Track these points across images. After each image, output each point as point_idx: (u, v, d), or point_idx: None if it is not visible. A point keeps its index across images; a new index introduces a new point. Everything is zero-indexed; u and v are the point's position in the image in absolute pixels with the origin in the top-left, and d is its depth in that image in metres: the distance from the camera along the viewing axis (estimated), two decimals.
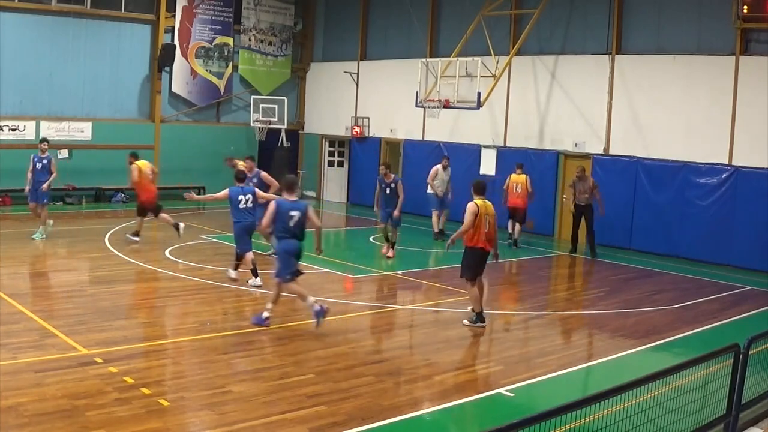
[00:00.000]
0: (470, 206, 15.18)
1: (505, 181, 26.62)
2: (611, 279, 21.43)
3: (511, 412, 10.63)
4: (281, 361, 12.58)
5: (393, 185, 22.70)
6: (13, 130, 30.17)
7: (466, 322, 15.29)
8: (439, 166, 27.12)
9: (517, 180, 26.12)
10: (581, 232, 25.17)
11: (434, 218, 26.95)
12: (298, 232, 14.99)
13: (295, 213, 14.86)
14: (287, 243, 14.83)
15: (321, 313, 14.36)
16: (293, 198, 15.06)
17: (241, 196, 17.89)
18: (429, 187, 27.09)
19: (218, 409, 10.31)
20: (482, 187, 15.82)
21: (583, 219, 24.87)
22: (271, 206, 14.79)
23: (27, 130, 30.43)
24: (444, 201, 27.17)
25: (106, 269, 19.60)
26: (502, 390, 11.67)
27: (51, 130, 30.87)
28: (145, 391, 10.79)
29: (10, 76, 29.82)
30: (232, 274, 18.49)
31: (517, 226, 26.08)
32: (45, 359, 12.03)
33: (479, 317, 15.26)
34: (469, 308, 15.65)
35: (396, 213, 22.48)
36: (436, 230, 26.71)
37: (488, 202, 15.57)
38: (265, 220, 15.11)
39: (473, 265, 15.40)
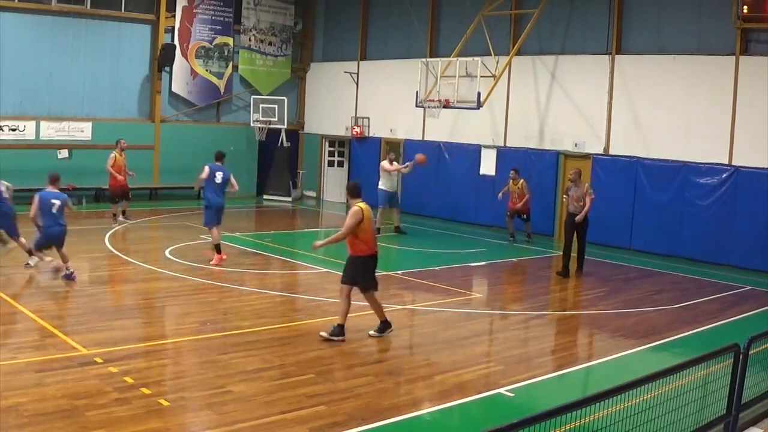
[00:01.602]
0: (353, 211, 14.02)
1: (502, 188, 27.04)
2: (611, 279, 21.42)
3: (511, 412, 10.63)
4: (281, 361, 12.58)
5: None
6: (13, 130, 30.16)
7: (373, 333, 14.37)
8: (385, 162, 27.78)
9: (515, 190, 26.68)
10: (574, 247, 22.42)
11: (378, 215, 26.28)
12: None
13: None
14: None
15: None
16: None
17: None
18: (380, 182, 27.52)
19: (218, 409, 10.31)
20: (358, 189, 14.67)
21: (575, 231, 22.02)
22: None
23: (27, 130, 30.42)
24: (393, 198, 27.79)
25: (106, 269, 19.62)
26: (502, 390, 11.67)
27: (51, 130, 30.91)
28: (145, 391, 10.79)
29: (10, 76, 29.81)
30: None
31: (526, 224, 26.92)
32: (45, 359, 12.03)
33: (340, 330, 14.01)
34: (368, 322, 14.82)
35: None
36: (377, 226, 26.00)
37: (367, 206, 14.31)
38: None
39: (372, 272, 14.39)
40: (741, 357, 9.62)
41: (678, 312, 17.56)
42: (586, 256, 22.14)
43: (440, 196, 31.26)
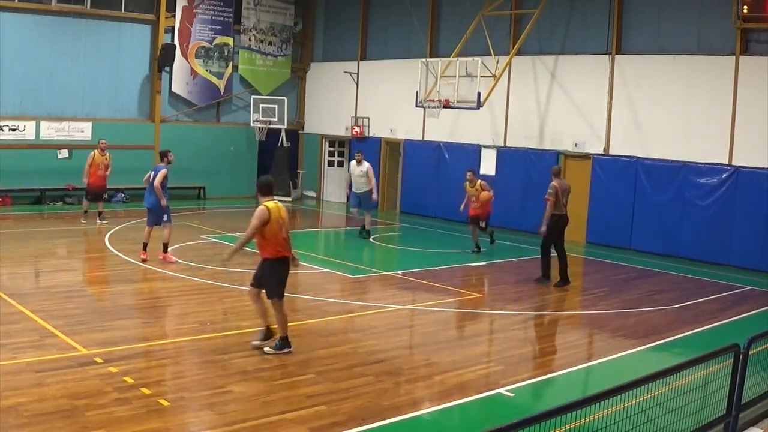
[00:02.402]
0: (259, 211, 12.91)
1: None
2: (611, 279, 21.43)
3: (512, 412, 10.63)
4: (281, 361, 12.57)
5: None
6: (13, 130, 30.16)
7: (268, 349, 13.05)
8: (353, 162, 26.69)
9: (473, 193, 24.54)
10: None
11: (366, 217, 26.35)
12: None
13: None
14: None
15: None
16: None
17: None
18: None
19: (218, 409, 10.32)
20: (269, 186, 13.44)
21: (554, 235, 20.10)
22: None
23: (27, 130, 30.42)
24: (362, 200, 26.41)
25: (106, 269, 19.63)
26: (502, 390, 11.68)
27: (51, 130, 30.91)
28: (145, 391, 10.79)
29: (10, 76, 29.82)
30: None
31: (482, 226, 24.73)
32: (45, 359, 12.03)
33: (285, 342, 13.15)
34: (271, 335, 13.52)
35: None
36: (366, 228, 26.49)
37: (280, 204, 13.29)
38: None
39: (284, 279, 13.38)
40: (741, 357, 9.62)
41: (678, 312, 17.56)
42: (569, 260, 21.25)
43: (440, 196, 31.24)
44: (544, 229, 19.78)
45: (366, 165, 26.09)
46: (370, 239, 25.76)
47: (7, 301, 15.43)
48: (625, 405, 8.04)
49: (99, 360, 12.03)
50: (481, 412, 11.10)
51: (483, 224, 24.68)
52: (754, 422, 10.34)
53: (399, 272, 20.61)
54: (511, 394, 11.56)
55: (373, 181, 26.12)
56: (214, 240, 24.16)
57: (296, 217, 32.13)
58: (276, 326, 13.27)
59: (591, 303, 18.37)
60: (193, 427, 9.98)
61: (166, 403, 10.43)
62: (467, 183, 24.82)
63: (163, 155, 21.16)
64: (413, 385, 11.99)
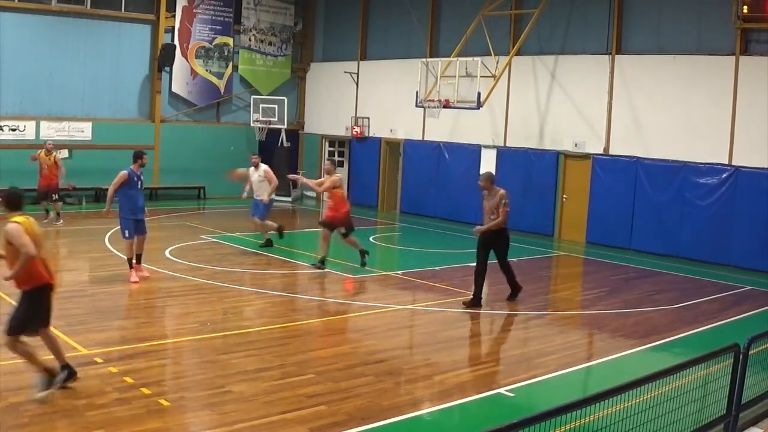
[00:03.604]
0: (14, 229, 10.34)
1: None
2: (611, 279, 21.43)
3: (512, 412, 10.63)
4: (281, 361, 12.57)
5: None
6: (13, 130, 30.18)
7: (52, 390, 10.49)
8: (251, 168, 24.05)
9: (334, 192, 21.31)
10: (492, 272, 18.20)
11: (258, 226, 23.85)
12: None
13: None
14: None
15: None
16: None
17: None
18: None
19: (218, 409, 10.32)
20: (17, 199, 10.90)
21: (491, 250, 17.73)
22: None
23: (27, 130, 30.45)
24: (259, 206, 23.48)
25: (106, 269, 19.58)
26: (502, 390, 11.68)
27: (51, 130, 30.91)
28: (145, 391, 10.79)
29: (10, 76, 29.84)
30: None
31: (343, 232, 20.99)
32: (45, 359, 12.02)
33: (68, 370, 10.81)
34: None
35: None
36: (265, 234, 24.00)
37: (31, 218, 10.85)
38: None
39: (41, 310, 10.92)
40: (741, 357, 9.62)
41: (678, 312, 17.56)
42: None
43: (440, 196, 31.27)
44: (483, 230, 17.41)
45: (263, 168, 23.51)
46: (263, 249, 23.40)
47: (8, 301, 15.41)
48: (625, 405, 8.04)
49: (99, 360, 12.04)
50: (481, 412, 11.10)
51: (344, 229, 20.81)
52: (754, 422, 10.34)
53: (399, 272, 20.62)
54: (511, 394, 11.56)
55: (274, 182, 23.24)
56: (214, 240, 24.16)
57: (296, 217, 32.14)
58: (52, 360, 10.85)
59: (591, 303, 18.37)
60: (194, 427, 9.98)
61: (166, 403, 10.44)
62: (326, 175, 21.61)
63: (138, 156, 18.47)
64: (413, 385, 11.99)
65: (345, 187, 20.53)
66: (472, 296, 17.20)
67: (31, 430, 9.38)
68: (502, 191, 17.31)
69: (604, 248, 25.74)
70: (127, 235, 17.93)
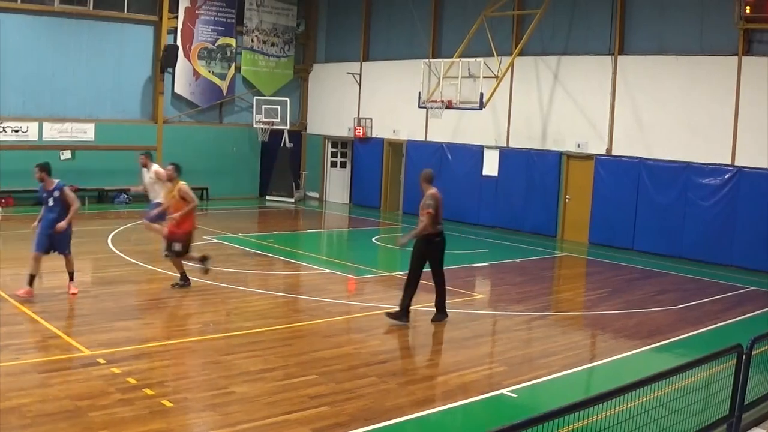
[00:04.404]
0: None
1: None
2: (614, 280, 21.42)
3: (515, 412, 10.63)
4: (284, 362, 12.58)
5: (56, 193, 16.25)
6: (16, 131, 30.20)
7: None
8: (143, 169, 21.52)
9: (170, 198, 18.12)
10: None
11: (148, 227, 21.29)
12: None
13: None
14: None
15: None
16: None
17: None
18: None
19: (221, 410, 10.32)
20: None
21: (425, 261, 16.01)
22: None
23: (30, 131, 30.47)
24: (152, 208, 20.69)
25: (109, 270, 19.59)
26: (505, 391, 11.67)
27: (54, 131, 30.96)
28: (148, 392, 10.80)
29: (12, 77, 29.87)
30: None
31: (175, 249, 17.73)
32: (48, 360, 12.06)
33: None
34: None
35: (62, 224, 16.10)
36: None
37: None
38: None
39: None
40: (744, 358, 9.60)
41: (681, 312, 17.56)
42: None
43: (443, 197, 31.17)
44: (405, 241, 16.18)
45: (154, 168, 20.92)
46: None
47: (10, 302, 15.44)
48: (628, 405, 8.02)
49: (102, 361, 12.04)
50: (484, 413, 11.10)
51: (177, 247, 17.62)
52: (756, 423, 10.32)
53: (402, 273, 20.57)
54: (514, 395, 11.56)
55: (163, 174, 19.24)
56: (217, 241, 24.15)
57: (299, 218, 32.18)
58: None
59: (594, 304, 18.37)
60: (197, 428, 9.98)
61: (169, 404, 10.44)
62: (169, 184, 18.43)
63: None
64: (416, 385, 11.97)
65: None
66: (401, 307, 15.37)
67: (34, 430, 9.38)
68: (430, 191, 15.93)
69: (606, 249, 25.74)
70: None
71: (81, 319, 14.63)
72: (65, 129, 31.38)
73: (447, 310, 15.90)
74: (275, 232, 27.23)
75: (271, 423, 9.97)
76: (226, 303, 16.63)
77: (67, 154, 30.93)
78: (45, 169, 16.13)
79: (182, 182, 17.66)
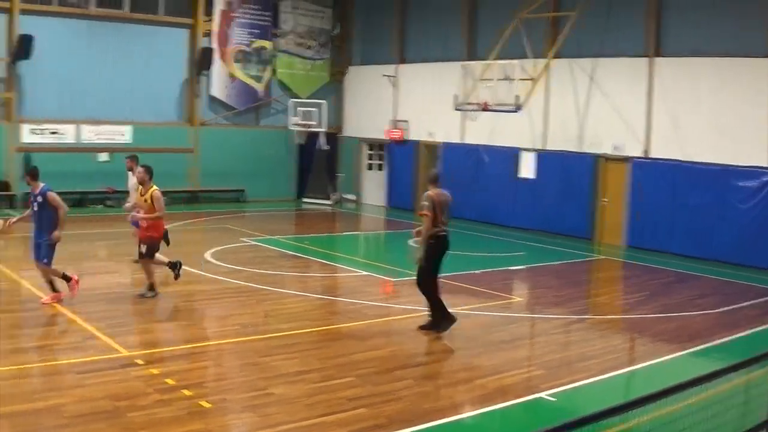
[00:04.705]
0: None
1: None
2: (651, 283, 21.28)
3: (553, 416, 10.58)
4: (322, 364, 12.61)
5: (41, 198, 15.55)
6: (54, 133, 30.44)
7: None
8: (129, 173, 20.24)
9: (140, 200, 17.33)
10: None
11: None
12: None
13: None
14: None
15: None
16: None
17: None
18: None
19: (260, 411, 10.36)
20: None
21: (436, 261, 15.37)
22: None
23: (68, 134, 30.72)
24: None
25: None
26: (543, 394, 11.64)
27: (91, 134, 31.20)
28: (187, 392, 10.86)
29: (50, 79, 30.13)
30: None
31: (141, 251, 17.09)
32: (86, 360, 12.13)
33: None
34: None
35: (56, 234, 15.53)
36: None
37: None
38: None
39: None
40: None
41: (720, 316, 17.44)
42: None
43: (478, 199, 31.16)
44: (419, 257, 15.11)
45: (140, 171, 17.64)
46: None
47: (49, 304, 15.55)
48: (667, 410, 8.00)
49: (140, 362, 12.12)
50: (522, 417, 11.08)
51: (143, 249, 16.94)
52: None
53: (439, 275, 20.56)
54: (553, 399, 11.53)
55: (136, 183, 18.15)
56: (254, 243, 24.22)
57: (335, 220, 32.25)
58: None
59: (631, 307, 18.29)
60: (235, 429, 10.04)
61: (207, 405, 10.49)
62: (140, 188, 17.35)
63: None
64: (454, 388, 11.97)
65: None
66: (442, 316, 14.97)
67: (72, 431, 9.45)
68: (428, 192, 15.29)
69: (643, 252, 25.57)
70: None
71: (119, 320, 14.70)
72: (102, 131, 31.59)
73: (488, 313, 15.84)
74: (312, 235, 27.29)
75: (309, 425, 9.99)
76: (264, 305, 16.68)
77: (104, 156, 31.14)
78: (30, 173, 15.61)
79: (156, 188, 16.73)
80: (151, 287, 16.81)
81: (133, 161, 19.86)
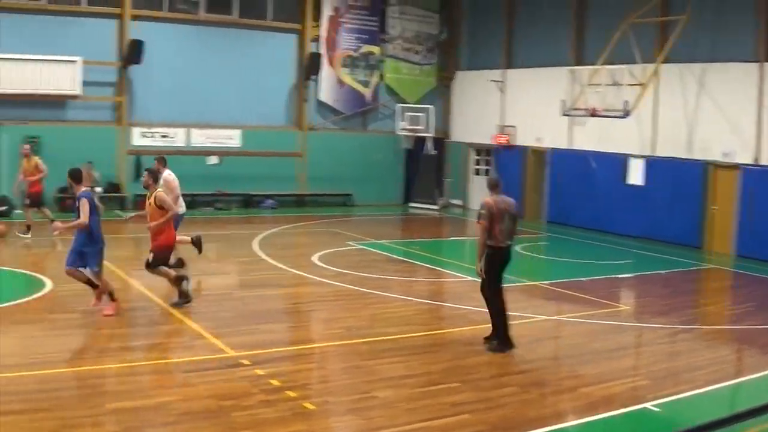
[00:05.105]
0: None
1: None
2: (760, 293, 20.85)
3: (658, 427, 10.47)
4: (426, 369, 12.62)
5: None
6: (164, 137, 31.01)
7: None
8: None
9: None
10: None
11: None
12: None
13: None
14: None
15: None
16: None
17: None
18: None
19: (363, 414, 10.41)
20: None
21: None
22: None
23: (177, 137, 31.27)
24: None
25: (255, 274, 19.95)
26: (648, 405, 11.46)
27: (201, 137, 31.70)
28: (291, 394, 10.96)
29: (160, 84, 30.75)
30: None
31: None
32: (193, 360, 12.34)
33: None
34: None
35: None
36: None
37: None
38: None
39: None
40: None
41: None
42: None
43: (586, 206, 30.89)
44: (480, 267, 14.07)
45: (165, 174, 19.07)
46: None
47: (159, 304, 15.83)
48: None
49: (246, 362, 12.26)
50: (626, 427, 10.93)
51: (150, 257, 15.98)
52: None
53: (545, 282, 20.47)
54: (658, 409, 11.36)
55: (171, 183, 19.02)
56: (361, 246, 24.34)
57: (442, 225, 32.24)
58: None
59: (740, 318, 17.92)
60: None
61: (311, 407, 10.58)
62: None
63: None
64: (558, 396, 11.88)
65: None
66: (504, 335, 14.18)
67: (178, 428, 9.62)
68: (485, 200, 13.98)
69: (754, 261, 25.06)
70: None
71: (226, 321, 14.89)
72: (212, 135, 32.07)
73: (594, 321, 15.70)
74: (419, 239, 27.32)
75: (411, 429, 10.01)
76: (369, 308, 16.74)
77: (214, 160, 31.59)
78: (71, 175, 15.09)
79: (160, 190, 16.25)
80: (183, 294, 15.88)
81: (160, 163, 19.27)
